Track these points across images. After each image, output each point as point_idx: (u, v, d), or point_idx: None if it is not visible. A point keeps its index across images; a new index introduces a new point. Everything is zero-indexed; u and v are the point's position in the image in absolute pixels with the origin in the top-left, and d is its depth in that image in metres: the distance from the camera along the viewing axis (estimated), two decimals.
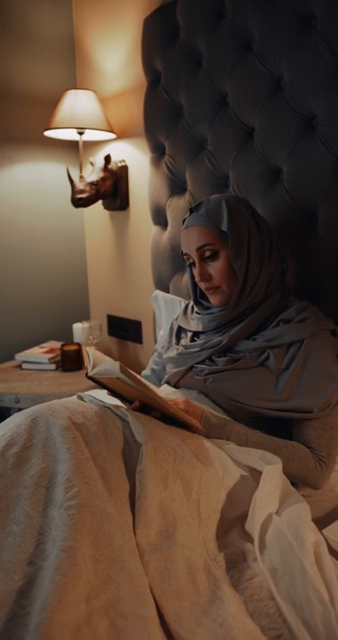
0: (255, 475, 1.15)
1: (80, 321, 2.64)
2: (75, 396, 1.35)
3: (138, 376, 1.20)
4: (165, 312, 1.91)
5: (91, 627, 0.74)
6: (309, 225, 1.50)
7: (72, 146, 2.57)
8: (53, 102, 2.28)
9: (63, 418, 1.08)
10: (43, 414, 1.10)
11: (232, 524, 1.09)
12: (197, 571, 0.94)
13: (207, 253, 1.36)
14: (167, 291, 2.04)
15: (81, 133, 2.21)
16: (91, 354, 1.25)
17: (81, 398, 1.30)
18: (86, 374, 1.21)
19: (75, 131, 2.21)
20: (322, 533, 1.03)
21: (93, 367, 1.20)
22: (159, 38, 1.89)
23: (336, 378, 1.27)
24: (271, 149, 1.56)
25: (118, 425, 1.12)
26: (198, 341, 1.44)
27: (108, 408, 1.18)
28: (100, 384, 1.22)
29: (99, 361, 1.23)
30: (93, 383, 1.23)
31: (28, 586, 0.80)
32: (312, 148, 1.45)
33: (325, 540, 1.01)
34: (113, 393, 1.25)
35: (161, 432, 1.13)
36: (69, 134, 2.30)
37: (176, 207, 1.94)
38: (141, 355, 2.49)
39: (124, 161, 2.36)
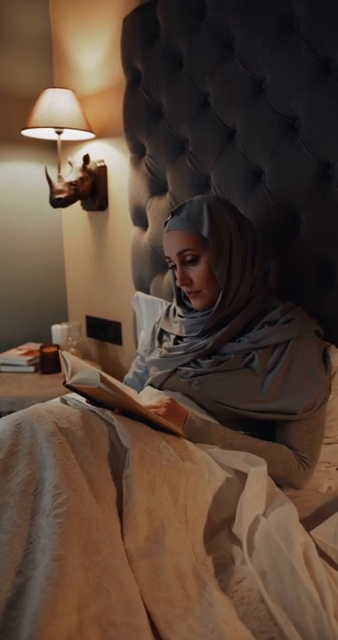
0: (240, 477, 1.15)
1: (58, 322, 2.60)
2: (58, 400, 1.33)
3: (118, 383, 1.19)
4: (147, 313, 1.90)
5: (82, 637, 0.73)
6: (292, 226, 1.50)
7: (50, 145, 2.54)
8: (30, 101, 2.25)
9: (48, 423, 1.06)
10: (27, 419, 1.08)
11: (219, 526, 1.09)
12: (187, 575, 0.93)
13: (188, 258, 1.35)
14: (148, 292, 2.03)
15: (59, 133, 2.19)
16: (68, 360, 1.23)
17: (64, 401, 1.27)
18: (64, 382, 1.19)
19: (53, 130, 2.18)
20: (310, 535, 1.03)
21: (72, 374, 1.19)
22: (139, 38, 1.87)
23: (321, 379, 1.27)
24: (253, 150, 1.56)
25: (104, 429, 1.11)
26: (182, 344, 1.43)
27: (94, 412, 1.16)
28: (78, 392, 1.21)
29: (77, 367, 1.21)
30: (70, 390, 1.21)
31: (17, 597, 0.78)
32: (294, 150, 1.45)
33: (314, 541, 1.01)
34: (92, 401, 1.23)
35: (147, 435, 1.12)
36: (47, 133, 2.27)
37: (157, 208, 1.93)
38: (121, 356, 2.47)
39: (102, 161, 2.34)
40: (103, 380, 1.08)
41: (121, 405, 1.18)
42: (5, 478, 0.96)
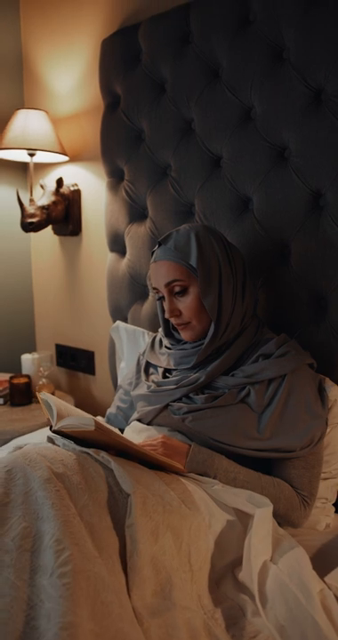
0: (241, 517, 1.09)
1: (26, 350, 2.49)
2: (35, 433, 1.24)
3: (111, 428, 1.13)
4: (127, 344, 1.83)
5: None
6: (281, 256, 1.47)
7: (21, 167, 2.45)
8: None
9: (42, 468, 0.98)
10: (18, 465, 0.99)
11: (223, 573, 1.03)
12: (199, 633, 0.87)
13: (176, 289, 1.30)
14: (125, 320, 1.96)
15: (32, 155, 2.11)
16: (52, 404, 1.15)
17: (52, 441, 1.19)
18: (51, 428, 1.14)
19: (25, 152, 2.10)
20: (324, 581, 0.98)
21: (58, 416, 1.12)
22: (119, 61, 1.83)
23: (318, 414, 1.24)
24: (241, 178, 1.53)
25: (101, 472, 1.03)
26: (172, 378, 1.37)
27: (88, 454, 1.08)
28: (66, 436, 1.14)
29: (62, 409, 1.15)
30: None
31: None
32: (284, 179, 1.43)
33: (329, 588, 0.96)
34: (81, 443, 1.15)
35: (147, 479, 1.05)
36: (19, 155, 2.19)
37: (136, 234, 1.87)
38: (94, 386, 2.38)
39: (76, 185, 2.27)
40: (98, 425, 1.01)
41: (116, 446, 1.10)
42: None
